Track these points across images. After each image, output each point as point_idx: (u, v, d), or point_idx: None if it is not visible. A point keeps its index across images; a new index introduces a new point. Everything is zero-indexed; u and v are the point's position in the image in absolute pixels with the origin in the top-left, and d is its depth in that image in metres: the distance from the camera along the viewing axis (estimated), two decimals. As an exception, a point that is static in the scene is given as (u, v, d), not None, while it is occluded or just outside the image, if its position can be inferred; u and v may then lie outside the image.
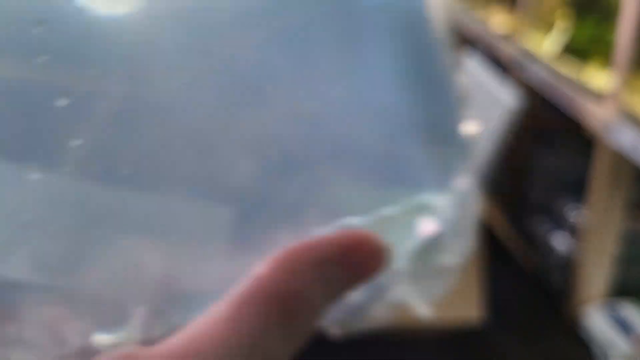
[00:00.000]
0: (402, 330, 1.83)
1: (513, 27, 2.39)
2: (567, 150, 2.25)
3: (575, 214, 1.98)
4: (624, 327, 1.76)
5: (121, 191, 0.31)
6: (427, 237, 0.46)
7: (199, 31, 0.32)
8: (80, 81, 0.31)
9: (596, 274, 1.86)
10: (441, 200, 0.45)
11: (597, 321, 1.82)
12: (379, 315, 0.98)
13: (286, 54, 0.34)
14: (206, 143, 0.32)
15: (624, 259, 1.91)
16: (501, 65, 2.98)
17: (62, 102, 0.31)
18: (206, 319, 0.26)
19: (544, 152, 2.27)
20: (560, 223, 2.04)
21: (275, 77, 0.33)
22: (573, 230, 1.96)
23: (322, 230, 0.35)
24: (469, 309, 1.75)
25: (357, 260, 0.29)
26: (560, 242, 2.00)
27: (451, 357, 1.80)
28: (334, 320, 1.33)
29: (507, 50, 2.32)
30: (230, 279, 0.29)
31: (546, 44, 2.08)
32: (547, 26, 2.13)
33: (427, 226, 0.47)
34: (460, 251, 0.52)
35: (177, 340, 0.25)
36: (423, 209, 0.44)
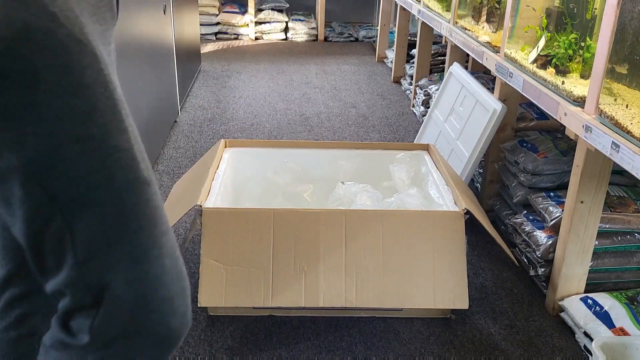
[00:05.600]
0: (396, 313, 1.93)
1: (499, 39, 2.49)
2: (549, 150, 2.32)
3: (557, 211, 2.06)
4: (602, 315, 1.86)
5: None
6: None
7: None
8: None
9: (575, 266, 1.95)
10: None
11: (576, 310, 1.92)
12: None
13: None
14: None
15: (600, 252, 2.01)
16: (488, 73, 3.10)
17: None
18: None
19: (527, 152, 2.35)
20: (542, 219, 2.13)
21: None
22: (555, 226, 2.05)
23: None
24: (457, 297, 1.85)
25: None
26: (542, 236, 2.08)
27: (440, 337, 1.89)
28: None
29: (493, 59, 2.42)
30: None
31: (529, 55, 2.18)
32: (530, 39, 2.23)
33: None
34: None
35: None
36: None
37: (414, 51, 4.14)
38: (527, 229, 2.16)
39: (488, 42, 2.59)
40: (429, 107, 3.50)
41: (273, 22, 6.28)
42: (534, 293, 2.14)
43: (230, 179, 2.29)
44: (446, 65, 3.38)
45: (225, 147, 2.41)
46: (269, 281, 1.80)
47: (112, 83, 0.75)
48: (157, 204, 0.79)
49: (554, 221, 2.04)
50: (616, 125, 1.56)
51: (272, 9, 6.30)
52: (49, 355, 0.79)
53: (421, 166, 2.37)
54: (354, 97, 4.36)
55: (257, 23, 6.26)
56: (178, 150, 3.29)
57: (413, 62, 4.23)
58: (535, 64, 2.11)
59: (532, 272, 2.12)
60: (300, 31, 6.29)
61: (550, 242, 2.03)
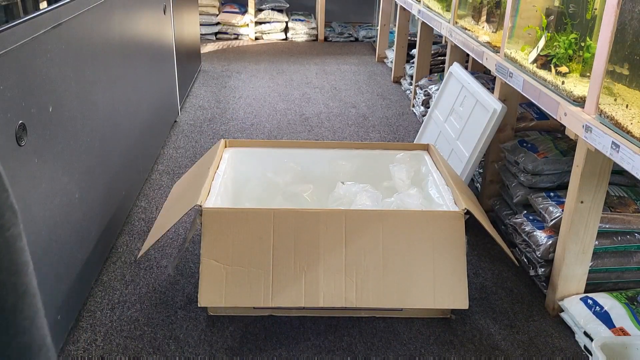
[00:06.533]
0: (396, 313, 1.93)
1: (499, 39, 2.49)
2: (549, 150, 2.32)
3: (557, 211, 2.06)
4: (602, 315, 1.86)
5: None
6: None
7: None
8: None
9: (575, 266, 1.95)
10: None
11: (576, 310, 1.92)
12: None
13: None
14: None
15: (600, 252, 2.01)
16: (488, 73, 3.10)
17: None
18: None
19: (527, 152, 2.34)
20: (542, 219, 2.13)
21: None
22: (555, 226, 2.04)
23: None
24: (457, 297, 1.85)
25: None
26: (542, 236, 2.08)
27: (440, 337, 1.89)
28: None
29: (493, 59, 2.42)
30: None
31: (529, 55, 2.18)
32: (530, 39, 2.23)
33: None
34: None
35: None
36: None
37: (414, 51, 4.14)
38: (527, 229, 2.15)
39: (488, 42, 2.59)
40: (429, 107, 3.50)
41: (273, 22, 6.27)
42: (534, 293, 2.14)
43: (230, 179, 2.29)
44: (446, 65, 3.38)
45: (225, 147, 2.41)
46: (269, 281, 1.80)
47: None
48: None
49: (554, 221, 2.04)
50: (616, 125, 1.56)
51: (272, 9, 6.30)
52: None
53: (421, 166, 2.37)
54: (354, 97, 4.36)
55: (257, 23, 6.26)
56: (178, 150, 3.29)
57: (413, 62, 4.23)
58: (535, 64, 2.11)
59: (532, 272, 2.12)
60: (300, 31, 6.29)
61: (550, 242, 2.03)
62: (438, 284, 1.84)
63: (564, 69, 1.98)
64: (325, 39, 6.35)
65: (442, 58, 4.17)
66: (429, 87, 3.73)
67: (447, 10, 3.27)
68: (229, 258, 1.82)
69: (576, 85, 1.87)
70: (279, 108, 4.06)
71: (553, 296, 2.01)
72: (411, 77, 4.31)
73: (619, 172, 2.18)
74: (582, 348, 1.86)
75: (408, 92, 4.38)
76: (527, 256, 2.17)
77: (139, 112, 2.73)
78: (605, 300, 1.90)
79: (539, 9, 2.19)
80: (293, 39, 6.31)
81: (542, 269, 2.07)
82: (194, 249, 2.28)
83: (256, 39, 6.27)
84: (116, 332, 1.87)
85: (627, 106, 1.55)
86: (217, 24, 6.21)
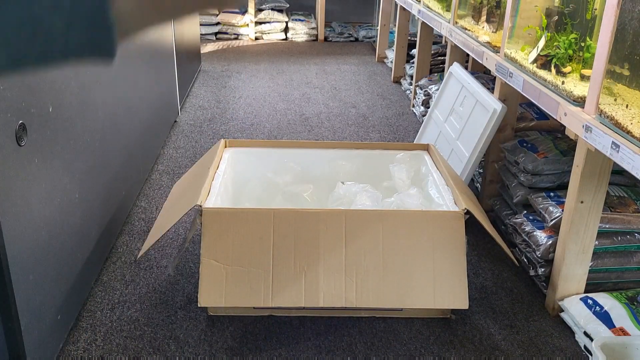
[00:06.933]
0: (396, 313, 1.93)
1: (499, 39, 2.49)
2: (549, 150, 2.32)
3: (557, 211, 2.06)
4: (602, 315, 1.86)
5: None
6: None
7: None
8: None
9: (575, 266, 1.95)
10: None
11: (576, 310, 1.92)
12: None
13: None
14: None
15: (600, 252, 2.01)
16: (488, 72, 3.10)
17: None
18: None
19: (527, 152, 2.34)
20: (542, 219, 2.13)
21: None
22: (555, 226, 2.04)
23: None
24: (457, 297, 1.85)
25: None
26: (542, 236, 2.08)
27: (440, 337, 1.89)
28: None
29: (493, 59, 2.41)
30: None
31: (529, 55, 2.18)
32: (530, 39, 2.23)
33: None
34: None
35: None
36: None
37: (414, 51, 4.14)
38: (527, 229, 2.15)
39: (488, 42, 2.59)
40: (429, 107, 3.50)
41: (273, 22, 6.27)
42: (534, 293, 2.14)
43: (230, 179, 2.29)
44: (446, 65, 3.38)
45: (225, 147, 2.41)
46: (269, 281, 1.80)
47: None
48: None
49: (554, 221, 2.04)
50: (616, 125, 1.56)
51: (272, 9, 6.30)
52: None
53: (421, 166, 2.37)
54: (354, 97, 4.36)
55: (257, 23, 6.26)
56: (178, 150, 3.29)
57: (413, 62, 4.23)
58: (535, 64, 2.11)
59: (532, 272, 2.12)
60: (300, 31, 6.29)
61: (550, 242, 2.03)
62: (438, 284, 1.84)
63: (567, 68, 1.98)
64: (325, 39, 6.35)
65: (442, 58, 4.17)
66: (429, 87, 3.73)
67: (447, 10, 3.27)
68: (229, 258, 1.82)
69: (576, 85, 1.87)
70: (279, 108, 4.06)
71: (553, 296, 2.00)
72: (411, 77, 4.31)
73: (619, 172, 2.18)
74: (582, 348, 1.86)
75: (408, 92, 4.38)
76: (527, 256, 2.16)
77: (139, 112, 2.73)
78: (605, 300, 1.90)
79: (539, 9, 2.19)
80: (293, 39, 6.31)
81: (542, 269, 2.07)
82: (194, 249, 2.28)
83: (256, 39, 6.27)
84: (116, 332, 1.87)
85: (627, 106, 1.55)
86: (217, 24, 6.21)
